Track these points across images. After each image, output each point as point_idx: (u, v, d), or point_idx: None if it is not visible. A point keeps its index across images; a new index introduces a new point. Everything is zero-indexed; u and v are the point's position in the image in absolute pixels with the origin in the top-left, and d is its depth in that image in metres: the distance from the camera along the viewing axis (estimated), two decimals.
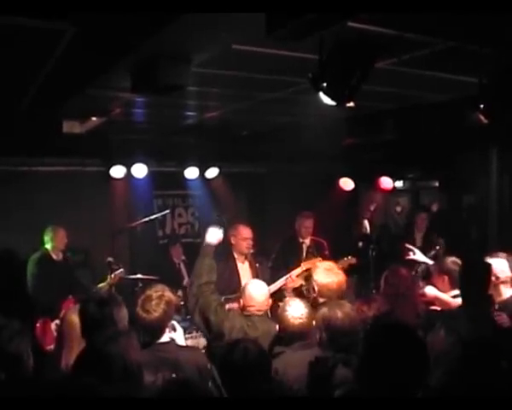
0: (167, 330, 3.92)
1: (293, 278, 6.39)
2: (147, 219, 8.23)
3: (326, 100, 4.02)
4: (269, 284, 6.04)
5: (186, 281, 7.99)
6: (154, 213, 8.77)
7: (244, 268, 6.43)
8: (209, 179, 9.26)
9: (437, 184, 9.76)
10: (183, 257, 8.66)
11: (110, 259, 7.17)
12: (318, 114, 6.21)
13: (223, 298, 5.92)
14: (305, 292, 6.47)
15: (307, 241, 7.39)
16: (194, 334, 6.65)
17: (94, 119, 6.90)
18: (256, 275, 6.32)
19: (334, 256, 6.48)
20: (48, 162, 8.17)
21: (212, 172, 9.15)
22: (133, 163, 8.39)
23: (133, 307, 3.86)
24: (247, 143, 8.94)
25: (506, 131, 6.59)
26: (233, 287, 5.81)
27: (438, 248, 6.92)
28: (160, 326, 3.83)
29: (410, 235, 8.10)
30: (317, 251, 7.13)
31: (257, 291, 4.57)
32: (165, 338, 3.87)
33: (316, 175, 9.51)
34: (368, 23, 3.61)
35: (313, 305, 4.33)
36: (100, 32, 3.72)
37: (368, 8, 3.01)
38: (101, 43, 3.93)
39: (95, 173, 8.55)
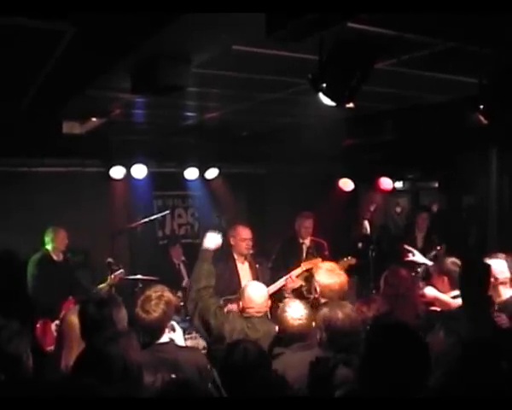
0: (167, 330, 3.92)
1: (292, 278, 6.40)
2: (146, 219, 8.24)
3: (326, 101, 4.02)
4: (269, 285, 6.06)
5: (186, 282, 7.99)
6: (154, 214, 8.78)
7: (244, 269, 6.43)
8: (209, 180, 9.26)
9: (437, 184, 9.76)
10: (183, 258, 8.66)
11: (110, 259, 7.17)
12: (318, 115, 6.21)
13: (222, 299, 5.93)
14: (305, 293, 6.48)
15: (307, 241, 7.39)
16: (194, 335, 6.66)
17: (94, 119, 6.90)
18: (256, 276, 6.32)
19: (334, 257, 6.48)
20: (48, 163, 8.17)
21: (211, 173, 9.16)
22: (133, 164, 8.39)
23: (133, 307, 3.87)
24: (246, 143, 8.94)
25: (506, 132, 6.59)
26: (233, 288, 5.81)
27: (438, 248, 6.93)
28: (159, 327, 3.82)
29: (410, 235, 8.10)
30: (316, 252, 7.13)
31: (256, 293, 4.57)
32: (164, 339, 3.87)
33: (315, 176, 9.51)
34: (367, 24, 3.61)
35: (314, 305, 4.33)
36: (100, 33, 3.72)
37: (368, 9, 3.01)
38: (101, 44, 3.93)
39: (95, 174, 8.55)
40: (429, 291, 5.05)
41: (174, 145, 8.71)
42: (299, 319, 3.90)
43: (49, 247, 7.19)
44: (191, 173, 9.05)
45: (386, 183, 8.89)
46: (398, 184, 10.02)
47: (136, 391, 2.75)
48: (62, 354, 3.61)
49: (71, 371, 3.09)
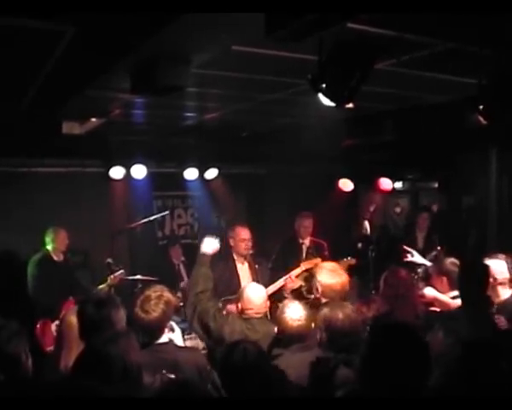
0: (166, 330, 3.92)
1: (292, 278, 6.40)
2: (146, 220, 8.24)
3: (325, 101, 4.02)
4: (268, 285, 6.06)
5: (185, 282, 7.99)
6: (154, 214, 8.79)
7: (244, 269, 6.43)
8: (208, 180, 9.26)
9: (436, 185, 9.76)
10: (183, 258, 8.66)
11: (109, 260, 7.18)
12: (318, 116, 6.21)
13: (222, 299, 5.93)
14: (304, 293, 6.48)
15: (307, 242, 7.39)
16: (194, 335, 6.64)
17: (93, 120, 6.90)
18: (256, 276, 6.32)
19: (334, 257, 6.48)
20: (47, 163, 8.17)
21: (211, 173, 9.15)
22: (133, 164, 8.39)
23: (132, 308, 3.87)
24: (246, 144, 8.94)
25: (505, 132, 6.59)
26: (233, 288, 5.81)
27: (439, 248, 6.93)
28: (158, 327, 3.82)
29: (411, 235, 8.10)
30: (316, 252, 7.14)
31: (255, 294, 4.57)
32: (163, 339, 3.87)
33: (315, 176, 9.51)
34: (367, 24, 3.61)
35: (315, 305, 4.33)
36: (100, 33, 3.71)
37: (367, 9, 3.01)
38: (101, 44, 3.93)
39: (94, 174, 8.55)
40: (429, 292, 5.05)
41: (174, 145, 8.71)
42: (299, 320, 3.90)
43: (49, 247, 7.19)
44: (191, 174, 9.05)
45: (385, 183, 8.89)
46: (398, 185, 10.02)
47: (135, 392, 2.75)
48: (62, 355, 3.61)
49: (70, 371, 3.08)
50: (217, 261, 5.91)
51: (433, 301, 5.00)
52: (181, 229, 10.25)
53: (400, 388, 2.36)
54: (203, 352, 4.84)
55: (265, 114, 7.20)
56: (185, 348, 4.78)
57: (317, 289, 4.63)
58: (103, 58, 4.25)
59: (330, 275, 4.61)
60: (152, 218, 8.48)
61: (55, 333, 6.00)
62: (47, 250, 7.19)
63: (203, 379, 3.62)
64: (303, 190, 9.35)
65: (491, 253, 4.96)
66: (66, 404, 2.11)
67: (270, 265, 7.18)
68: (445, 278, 5.00)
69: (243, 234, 6.37)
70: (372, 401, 2.34)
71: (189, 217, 10.34)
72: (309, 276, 6.55)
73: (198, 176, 9.10)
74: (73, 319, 3.61)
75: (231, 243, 6.42)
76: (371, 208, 8.23)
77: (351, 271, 6.16)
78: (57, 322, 5.76)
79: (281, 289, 6.36)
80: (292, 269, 6.50)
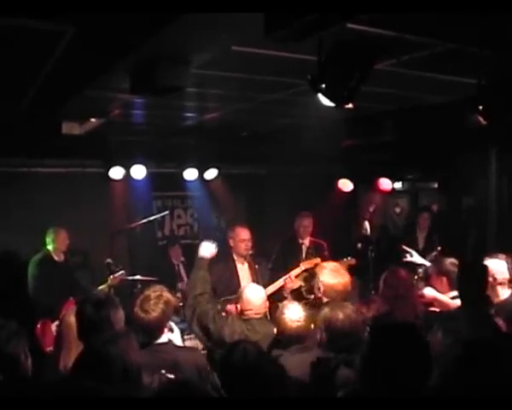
0: (165, 330, 3.92)
1: (292, 278, 6.40)
2: (146, 220, 8.24)
3: (325, 101, 4.02)
4: (268, 285, 6.06)
5: (183, 283, 7.99)
6: (153, 215, 8.79)
7: (243, 269, 6.43)
8: (208, 181, 9.25)
9: (436, 185, 9.76)
10: (182, 258, 8.66)
11: (109, 260, 7.17)
12: (318, 116, 6.21)
13: (222, 299, 5.94)
14: (304, 293, 6.48)
15: (306, 242, 7.39)
16: (193, 335, 6.65)
17: (93, 120, 6.90)
18: (255, 276, 6.33)
19: (334, 257, 6.48)
20: (47, 163, 8.18)
21: (211, 174, 9.15)
22: (132, 164, 8.38)
23: (132, 308, 3.86)
24: (246, 144, 8.94)
25: (505, 133, 6.59)
26: (232, 288, 5.81)
27: (439, 249, 6.92)
28: (158, 326, 3.82)
29: (411, 235, 8.10)
30: (316, 252, 7.14)
31: (254, 295, 4.57)
32: (163, 339, 3.87)
33: (315, 176, 9.51)
34: (367, 24, 3.61)
35: (317, 305, 4.33)
36: (99, 33, 3.71)
37: (367, 9, 3.01)
38: (101, 44, 3.93)
39: (94, 174, 8.55)
40: (428, 292, 5.05)
41: (173, 146, 8.71)
42: (298, 321, 3.91)
43: (50, 247, 7.19)
44: (190, 174, 9.04)
45: (385, 183, 8.89)
46: (398, 185, 10.03)
47: (135, 392, 2.75)
48: (61, 355, 3.61)
49: (70, 372, 3.08)
50: (217, 262, 5.92)
51: (433, 302, 5.00)
52: (180, 229, 10.25)
53: (401, 388, 2.36)
54: (203, 352, 4.84)
55: (265, 115, 7.20)
56: (185, 348, 4.79)
57: (318, 289, 4.63)
58: (103, 58, 4.25)
59: (332, 275, 4.62)
60: (152, 218, 8.48)
61: (55, 333, 6.01)
62: (47, 250, 7.18)
63: (203, 379, 3.63)
64: (303, 190, 9.35)
65: (491, 253, 4.96)
66: (66, 404, 2.11)
67: (270, 265, 7.18)
68: (444, 279, 5.00)
69: (243, 234, 6.37)
70: (373, 401, 2.34)
71: (189, 217, 10.34)
72: (308, 276, 6.55)
73: (198, 176, 9.09)
74: (73, 320, 3.61)
75: (231, 243, 6.42)
76: (371, 209, 8.22)
77: (351, 271, 6.17)
78: (57, 322, 5.77)
79: (280, 290, 6.36)
80: (292, 269, 6.50)
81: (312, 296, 6.09)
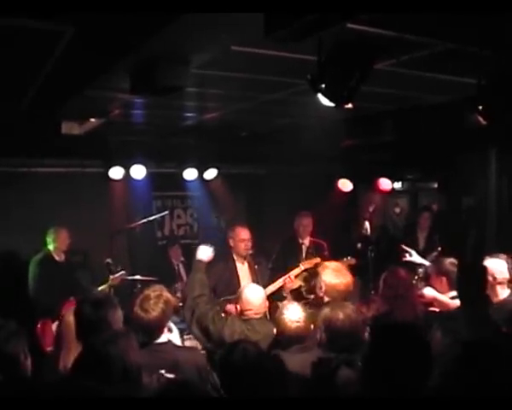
0: (165, 330, 3.92)
1: (291, 278, 6.40)
2: (145, 220, 8.23)
3: (325, 101, 4.02)
4: (268, 285, 6.06)
5: (180, 284, 7.98)
6: (153, 215, 8.79)
7: (243, 269, 6.43)
8: (208, 181, 9.25)
9: (436, 185, 9.76)
10: (182, 258, 8.65)
11: (109, 260, 7.16)
12: (317, 116, 6.21)
13: (222, 299, 5.94)
14: (304, 293, 6.49)
15: (306, 241, 7.39)
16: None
17: (93, 120, 6.90)
18: (255, 276, 6.33)
19: (334, 257, 6.48)
20: (47, 163, 8.17)
21: (210, 174, 9.15)
22: (132, 164, 8.39)
23: (132, 307, 3.86)
24: (245, 144, 8.94)
25: (505, 133, 6.59)
26: (232, 288, 5.81)
27: (440, 249, 6.92)
28: (158, 326, 3.82)
29: (412, 236, 8.09)
30: (316, 252, 7.14)
31: (253, 295, 4.56)
32: (162, 339, 3.87)
33: (314, 176, 9.51)
34: (367, 24, 3.61)
35: (318, 304, 4.33)
36: (99, 33, 3.71)
37: (367, 9, 3.01)
38: (101, 44, 3.93)
39: (94, 174, 8.55)
40: (428, 292, 5.05)
41: (173, 146, 8.71)
42: (297, 322, 3.90)
43: (50, 247, 7.19)
44: (190, 174, 9.04)
45: (385, 183, 8.89)
46: (398, 185, 10.02)
47: (135, 392, 2.75)
48: (61, 355, 3.60)
49: (70, 372, 3.08)
50: (216, 262, 5.92)
51: (433, 302, 5.00)
52: (180, 229, 10.24)
53: (402, 388, 2.36)
54: (202, 352, 4.84)
55: (265, 115, 7.20)
56: (185, 347, 4.79)
57: (320, 288, 4.62)
58: (103, 58, 4.25)
59: (335, 275, 4.62)
60: (151, 218, 8.48)
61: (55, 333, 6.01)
62: (48, 250, 7.18)
63: (203, 379, 3.63)
64: (302, 190, 9.35)
65: (492, 253, 4.96)
66: (66, 404, 2.11)
67: (271, 265, 7.17)
68: (444, 278, 5.00)
69: (243, 234, 6.37)
70: (374, 401, 2.34)
71: (189, 217, 10.33)
72: (308, 276, 6.56)
73: (197, 176, 9.09)
74: (73, 319, 3.61)
75: (231, 243, 6.42)
76: (371, 209, 8.22)
77: (351, 271, 6.18)
78: (57, 322, 5.77)
79: (280, 289, 6.36)
80: (292, 269, 6.50)
81: (312, 296, 6.11)
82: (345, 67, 3.92)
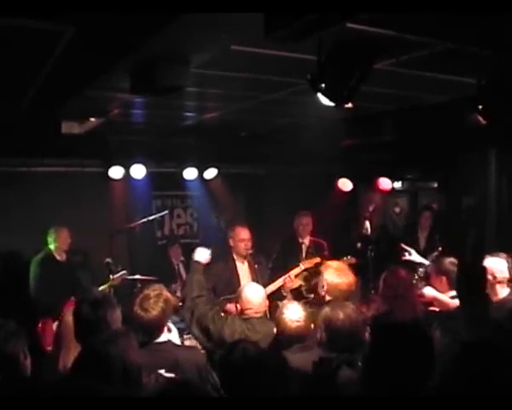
0: (165, 329, 3.92)
1: (291, 278, 6.41)
2: (145, 219, 8.23)
3: (324, 101, 4.02)
4: (268, 285, 6.07)
5: (178, 284, 7.98)
6: (153, 214, 8.78)
7: (243, 269, 6.43)
8: (208, 180, 9.26)
9: (436, 185, 9.76)
10: (182, 258, 8.65)
11: (108, 260, 7.16)
12: (317, 115, 6.21)
13: (222, 298, 5.94)
14: (304, 292, 6.49)
15: (306, 241, 7.39)
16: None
17: (92, 119, 6.90)
18: (255, 276, 6.33)
19: (334, 257, 6.48)
20: (47, 163, 8.17)
21: (210, 173, 9.15)
22: (132, 164, 8.39)
23: (131, 307, 3.86)
24: (245, 144, 8.94)
25: (505, 133, 6.59)
26: (232, 288, 5.81)
27: (440, 249, 6.91)
28: (158, 325, 3.82)
29: (413, 235, 8.08)
30: (316, 251, 7.14)
31: (253, 294, 4.56)
32: (162, 338, 3.87)
33: (314, 176, 9.51)
34: (367, 24, 3.61)
35: (319, 303, 4.33)
36: (99, 33, 3.72)
37: (367, 9, 3.01)
38: (101, 44, 3.93)
39: (94, 174, 8.56)
40: (428, 291, 5.05)
41: (173, 145, 8.71)
42: (297, 321, 3.91)
43: (51, 247, 7.18)
44: (190, 173, 9.05)
45: (385, 183, 8.89)
46: (397, 185, 10.02)
47: (135, 392, 2.74)
48: (60, 355, 3.60)
49: (70, 371, 3.08)
50: (216, 261, 5.92)
51: (433, 301, 5.00)
52: (180, 229, 10.24)
53: (404, 387, 2.36)
54: (202, 351, 4.84)
55: (265, 114, 7.20)
56: (185, 346, 4.79)
57: (322, 287, 4.63)
58: (103, 58, 4.25)
59: (337, 274, 4.62)
60: (151, 217, 8.47)
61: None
62: (49, 250, 7.17)
63: (203, 378, 3.62)
64: (302, 189, 9.35)
65: (492, 252, 4.95)
66: (66, 404, 2.11)
67: (271, 264, 7.17)
68: (444, 278, 5.00)
69: (243, 234, 6.37)
70: (375, 401, 2.34)
71: (189, 217, 10.33)
72: (308, 275, 6.57)
73: (197, 176, 9.10)
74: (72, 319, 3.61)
75: (231, 243, 6.42)
76: (370, 208, 8.22)
77: (351, 270, 6.18)
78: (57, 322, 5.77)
79: (280, 289, 6.37)
80: (292, 268, 6.51)
81: (312, 296, 6.11)
82: (345, 66, 3.92)
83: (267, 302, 4.74)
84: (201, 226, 10.13)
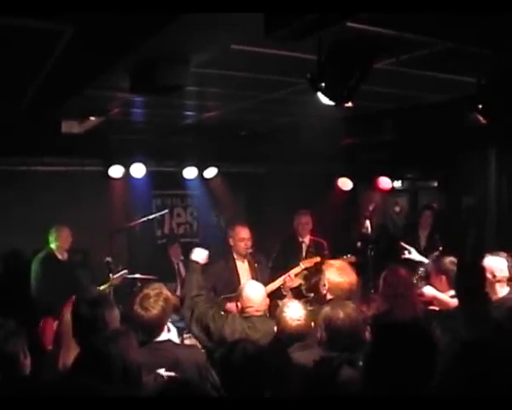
0: (165, 328, 3.92)
1: (291, 277, 6.41)
2: (145, 218, 8.23)
3: (324, 100, 4.02)
4: (268, 284, 6.07)
5: (177, 284, 7.99)
6: (153, 213, 8.78)
7: (243, 268, 6.43)
8: (208, 179, 9.25)
9: (436, 184, 9.76)
10: (182, 257, 8.65)
11: (108, 259, 7.15)
12: (317, 115, 6.21)
13: (222, 297, 5.95)
14: (304, 291, 6.50)
15: (306, 240, 7.39)
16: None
17: (92, 119, 6.90)
18: (255, 275, 6.33)
19: (334, 256, 6.49)
20: (47, 162, 8.17)
21: (210, 172, 9.15)
22: (132, 163, 8.39)
23: (131, 306, 3.86)
24: (245, 143, 8.94)
25: (505, 133, 6.59)
26: (232, 287, 5.82)
27: (441, 249, 6.91)
28: (158, 324, 3.82)
29: (413, 235, 8.08)
30: (316, 251, 7.14)
31: (254, 292, 4.56)
32: (162, 337, 3.87)
33: (314, 175, 9.50)
34: (367, 23, 3.61)
35: (320, 302, 4.33)
36: (99, 32, 3.72)
37: (367, 9, 3.01)
38: (101, 44, 3.93)
39: (94, 173, 8.55)
40: (428, 290, 5.05)
41: (173, 144, 8.71)
42: (298, 320, 3.91)
43: (53, 246, 7.17)
44: (190, 172, 9.04)
45: (385, 182, 8.89)
46: (397, 184, 10.02)
47: (135, 391, 2.75)
48: (60, 354, 3.61)
49: (70, 371, 3.09)
50: (217, 260, 5.92)
51: (433, 300, 5.00)
52: (180, 228, 10.24)
53: (406, 387, 2.36)
54: (202, 350, 4.85)
55: (265, 113, 7.20)
56: (185, 345, 4.79)
57: (324, 286, 4.63)
58: (103, 58, 4.25)
59: (339, 273, 4.62)
60: (151, 217, 8.47)
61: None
62: (51, 249, 7.17)
63: (203, 377, 3.63)
64: (302, 189, 9.35)
65: (492, 251, 4.96)
66: (66, 403, 2.11)
67: (271, 264, 7.18)
68: (444, 277, 5.00)
69: (243, 233, 6.38)
70: (376, 401, 2.34)
71: (189, 216, 10.33)
72: (308, 274, 6.57)
73: (197, 175, 9.09)
74: None
75: (231, 242, 6.42)
76: (370, 207, 8.22)
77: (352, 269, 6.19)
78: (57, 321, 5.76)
79: (280, 288, 6.37)
80: (292, 268, 6.51)
81: (312, 295, 6.12)
82: (345, 65, 3.93)
83: (267, 301, 4.74)
84: (201, 225, 10.13)
